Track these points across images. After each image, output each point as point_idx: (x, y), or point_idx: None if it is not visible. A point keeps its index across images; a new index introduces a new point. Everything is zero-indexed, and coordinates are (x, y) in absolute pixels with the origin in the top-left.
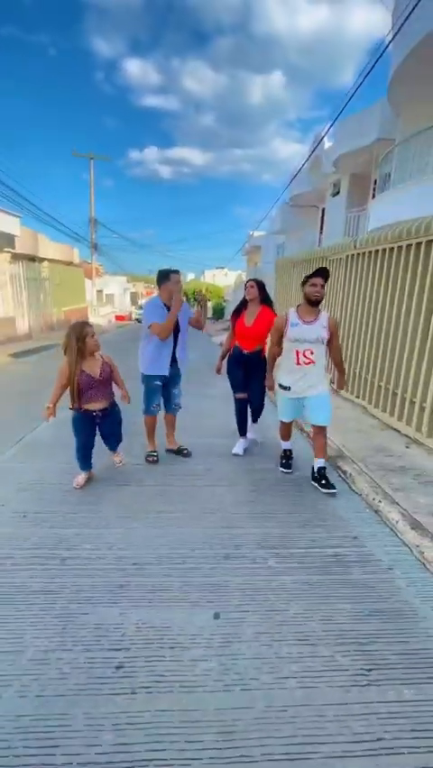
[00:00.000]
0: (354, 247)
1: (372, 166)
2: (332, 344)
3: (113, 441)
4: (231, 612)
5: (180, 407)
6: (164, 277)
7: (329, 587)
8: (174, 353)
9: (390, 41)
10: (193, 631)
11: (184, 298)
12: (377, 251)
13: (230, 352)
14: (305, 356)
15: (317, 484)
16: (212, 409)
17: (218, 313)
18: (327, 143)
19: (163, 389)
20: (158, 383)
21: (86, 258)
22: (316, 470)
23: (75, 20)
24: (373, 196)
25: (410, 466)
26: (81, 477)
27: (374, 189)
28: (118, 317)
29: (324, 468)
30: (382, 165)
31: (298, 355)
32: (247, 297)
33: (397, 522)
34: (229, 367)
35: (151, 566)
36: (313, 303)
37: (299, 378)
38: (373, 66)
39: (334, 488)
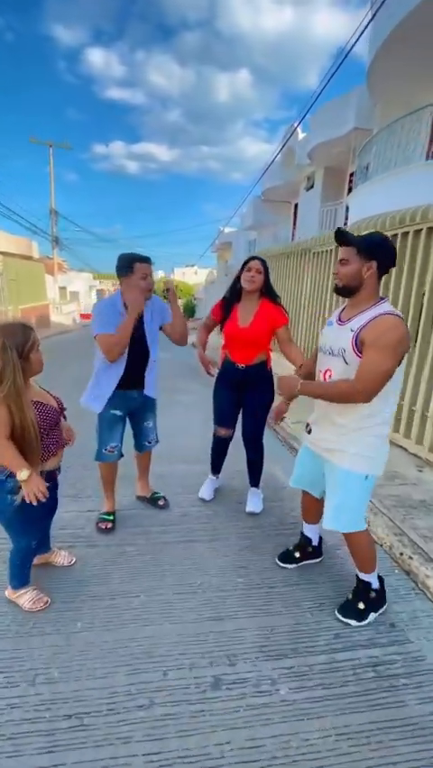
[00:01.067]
0: None
1: (348, 158)
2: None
3: (49, 523)
4: None
5: (157, 442)
6: (126, 266)
7: (379, 742)
8: (141, 375)
9: (373, 16)
10: None
11: (153, 293)
12: None
13: (218, 367)
14: (324, 380)
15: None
16: (186, 423)
17: (189, 311)
18: (300, 134)
19: (132, 423)
20: (117, 413)
21: (47, 253)
22: (355, 577)
23: (34, 4)
24: (350, 190)
25: (432, 500)
26: (31, 595)
27: (351, 182)
28: (83, 315)
29: (368, 585)
30: (362, 155)
31: (322, 378)
32: (246, 287)
33: None
34: (216, 388)
35: (96, 719)
36: (340, 292)
37: (314, 416)
38: (353, 46)
39: (361, 619)
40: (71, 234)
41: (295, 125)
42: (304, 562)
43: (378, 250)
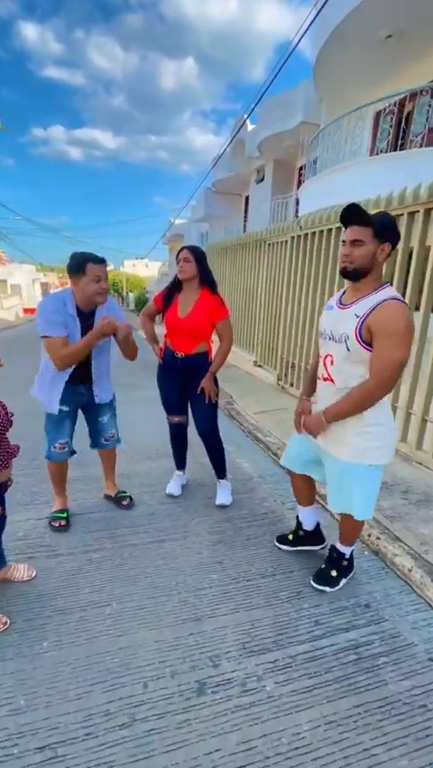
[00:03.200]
0: (300, 228)
1: (297, 151)
2: (373, 356)
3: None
4: None
5: (118, 441)
6: (78, 267)
7: (367, 724)
8: (88, 369)
9: (317, 15)
10: None
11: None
12: (330, 230)
13: (161, 356)
14: (324, 366)
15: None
16: (147, 419)
17: (141, 305)
18: (249, 126)
19: (86, 419)
20: (64, 408)
21: None
22: (330, 547)
23: None
24: (299, 183)
25: (393, 480)
26: None
27: (300, 176)
28: (27, 310)
29: (342, 555)
30: (310, 149)
31: (322, 363)
32: (180, 276)
33: (410, 570)
34: (159, 377)
35: (72, 746)
36: (349, 276)
37: (319, 407)
38: (300, 40)
39: (334, 586)
40: (10, 224)
41: (245, 117)
42: (300, 548)
43: (393, 232)
